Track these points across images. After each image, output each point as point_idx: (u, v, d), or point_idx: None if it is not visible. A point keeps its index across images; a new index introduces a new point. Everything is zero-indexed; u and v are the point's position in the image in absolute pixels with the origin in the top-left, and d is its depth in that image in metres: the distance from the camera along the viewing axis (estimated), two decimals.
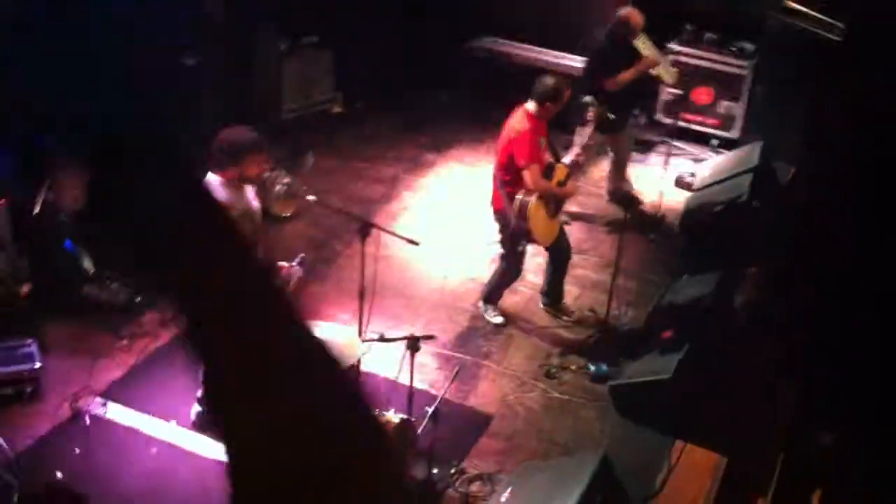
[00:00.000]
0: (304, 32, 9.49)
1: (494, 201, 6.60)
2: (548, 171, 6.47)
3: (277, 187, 7.50)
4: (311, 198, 5.71)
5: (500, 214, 6.59)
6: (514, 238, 6.57)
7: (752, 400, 6.01)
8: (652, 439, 5.91)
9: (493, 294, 6.96)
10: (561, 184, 6.53)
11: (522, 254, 6.74)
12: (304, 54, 9.49)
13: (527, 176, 6.27)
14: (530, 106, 6.35)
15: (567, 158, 6.60)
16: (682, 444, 5.75)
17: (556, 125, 6.77)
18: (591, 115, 6.76)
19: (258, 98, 9.05)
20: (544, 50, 10.06)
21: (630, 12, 7.72)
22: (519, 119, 6.35)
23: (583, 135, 6.81)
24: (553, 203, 6.53)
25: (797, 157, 8.64)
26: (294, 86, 9.46)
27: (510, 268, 6.81)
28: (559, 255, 6.89)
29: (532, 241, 6.58)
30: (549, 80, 6.38)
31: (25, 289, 6.48)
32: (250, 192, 5.19)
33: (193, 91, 8.14)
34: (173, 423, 5.52)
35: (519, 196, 6.36)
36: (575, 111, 7.01)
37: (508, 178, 6.38)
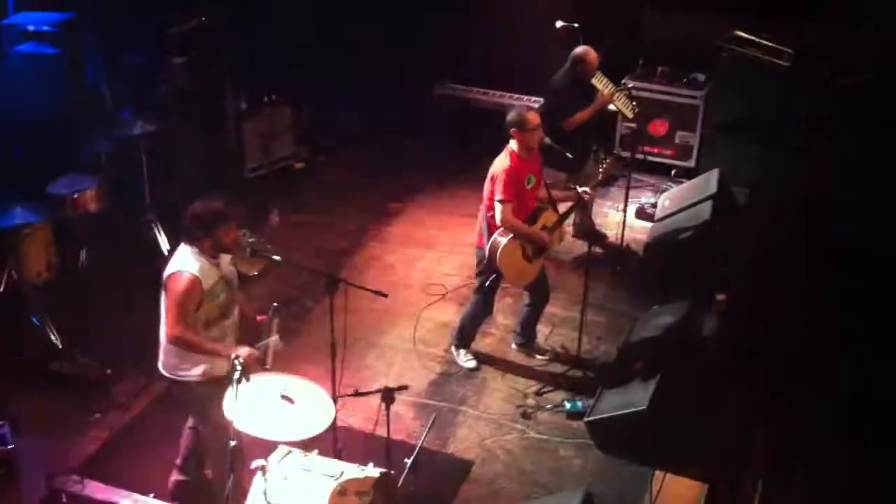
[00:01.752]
0: (262, 90, 9.58)
1: (477, 237, 6.67)
2: (534, 215, 6.54)
3: (243, 246, 7.50)
4: (276, 257, 5.72)
5: (478, 251, 6.67)
6: (486, 275, 6.63)
7: (728, 426, 6.07)
8: (633, 472, 5.94)
9: (464, 336, 6.98)
10: (546, 229, 6.57)
11: (493, 291, 6.78)
12: (264, 112, 9.57)
13: (497, 211, 6.35)
14: (511, 143, 6.45)
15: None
16: (662, 476, 5.77)
17: None
18: (606, 165, 6.91)
19: (220, 158, 9.09)
20: (504, 93, 10.19)
21: (586, 50, 7.80)
22: (502, 156, 6.46)
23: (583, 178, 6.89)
24: (532, 246, 6.57)
25: (755, 181, 8.81)
26: (255, 144, 9.53)
27: (480, 303, 6.84)
28: (536, 296, 6.93)
29: (503, 279, 6.63)
30: (510, 113, 6.49)
31: None
32: (225, 257, 5.22)
33: (168, 157, 8.23)
34: (151, 496, 5.47)
35: (494, 235, 6.43)
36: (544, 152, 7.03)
37: (490, 216, 6.45)
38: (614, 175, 9.48)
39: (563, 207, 6.73)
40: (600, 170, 6.99)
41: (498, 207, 6.35)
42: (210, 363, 5.11)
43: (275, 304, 5.21)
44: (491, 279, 6.63)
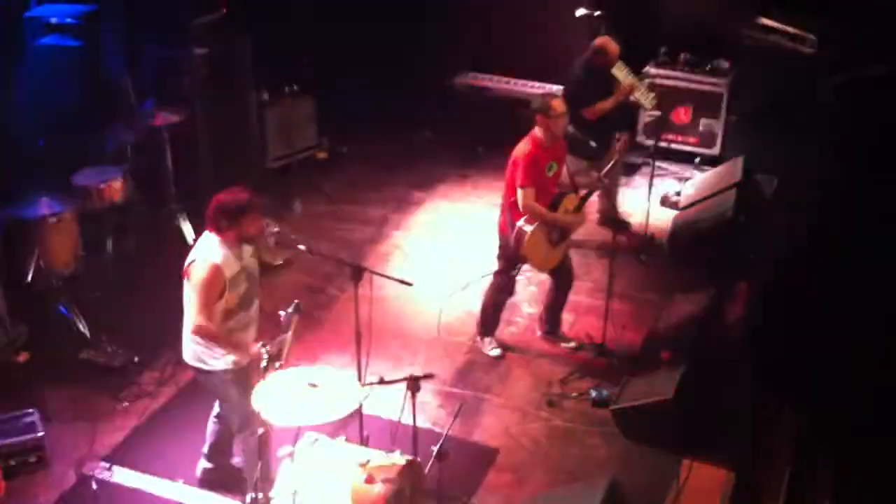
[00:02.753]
0: (284, 81, 9.59)
1: (500, 223, 6.69)
2: (556, 200, 6.55)
3: (267, 236, 7.52)
4: (301, 247, 5.73)
5: (501, 236, 6.69)
6: (510, 261, 6.64)
7: (753, 414, 6.04)
8: (658, 461, 5.93)
9: (487, 323, 6.98)
10: (568, 213, 6.58)
11: (515, 276, 6.78)
12: (286, 102, 9.58)
13: (519, 196, 6.36)
14: (535, 129, 6.47)
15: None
16: (689, 464, 5.76)
17: None
18: (620, 146, 6.87)
19: (243, 149, 9.11)
20: (525, 82, 10.15)
21: (606, 41, 7.79)
22: (524, 142, 6.49)
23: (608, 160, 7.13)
24: (556, 231, 6.57)
25: (780, 169, 8.74)
26: (277, 134, 9.54)
27: (501, 286, 6.84)
28: (561, 282, 6.93)
29: (527, 264, 6.64)
30: (536, 99, 6.56)
31: (23, 357, 6.50)
32: (247, 248, 5.23)
33: (191, 148, 8.25)
34: (180, 481, 5.51)
35: (519, 223, 6.44)
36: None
37: (513, 201, 6.46)
38: (636, 163, 9.46)
39: (583, 193, 6.75)
40: (616, 151, 6.98)
41: (519, 193, 6.36)
42: (233, 354, 5.13)
43: (297, 301, 5.23)
44: (517, 267, 6.65)
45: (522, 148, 6.45)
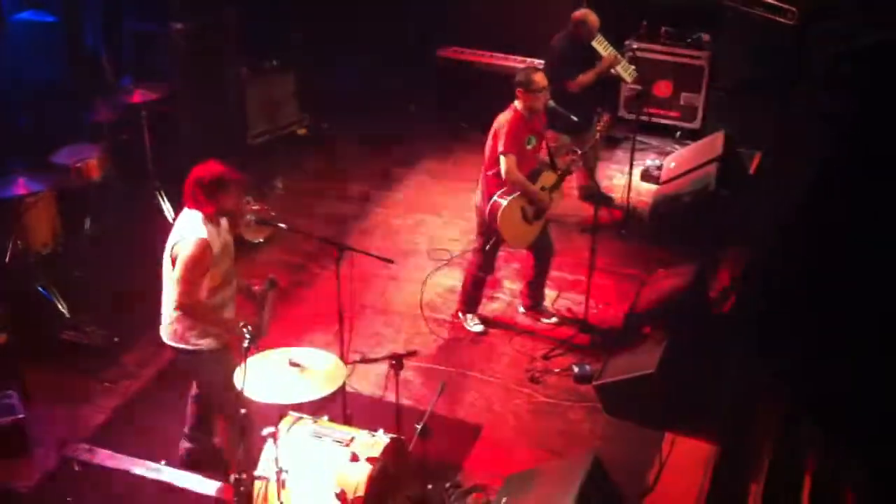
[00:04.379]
0: (264, 56, 9.49)
1: (477, 198, 6.68)
2: (534, 176, 6.53)
3: (248, 214, 7.48)
4: (281, 225, 5.70)
5: (479, 211, 6.67)
6: (485, 235, 6.64)
7: (736, 388, 6.08)
8: (642, 436, 5.95)
9: (469, 300, 6.97)
10: (545, 189, 6.56)
11: (492, 251, 6.77)
12: (266, 78, 9.48)
13: (501, 163, 6.34)
14: (515, 102, 6.45)
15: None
16: (671, 439, 5.80)
17: None
18: (601, 125, 7.00)
19: (223, 125, 9.03)
20: (507, 56, 10.09)
21: (586, 13, 7.76)
22: (504, 113, 6.46)
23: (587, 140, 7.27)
24: (532, 207, 6.55)
25: (763, 143, 8.75)
26: (258, 110, 9.46)
27: (480, 262, 6.82)
28: (540, 257, 6.92)
29: (502, 240, 6.63)
30: (519, 72, 6.52)
31: (2, 338, 6.45)
32: (224, 223, 5.18)
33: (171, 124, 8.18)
34: (163, 463, 5.49)
35: (495, 196, 6.41)
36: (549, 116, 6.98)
37: (492, 174, 6.44)
38: (617, 137, 9.45)
39: (560, 170, 6.72)
40: (597, 129, 6.98)
41: (501, 161, 6.33)
42: (217, 332, 5.09)
43: (271, 275, 5.20)
44: (491, 241, 6.63)
45: (503, 118, 6.43)
